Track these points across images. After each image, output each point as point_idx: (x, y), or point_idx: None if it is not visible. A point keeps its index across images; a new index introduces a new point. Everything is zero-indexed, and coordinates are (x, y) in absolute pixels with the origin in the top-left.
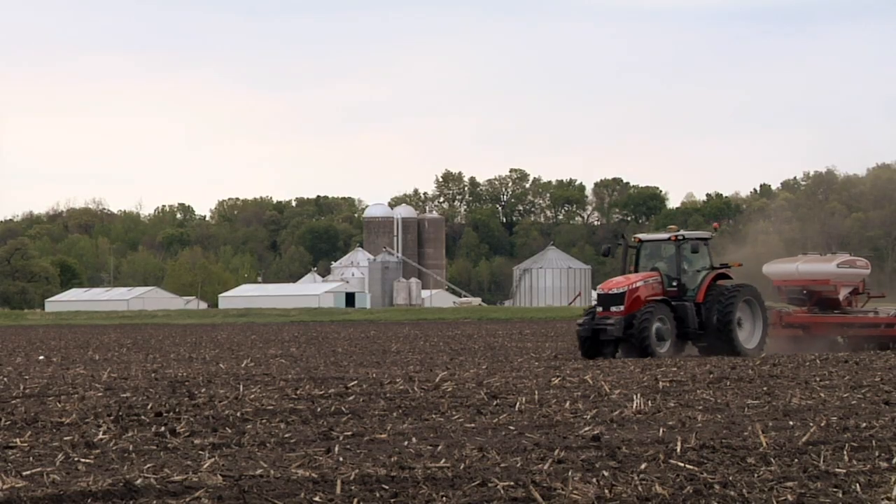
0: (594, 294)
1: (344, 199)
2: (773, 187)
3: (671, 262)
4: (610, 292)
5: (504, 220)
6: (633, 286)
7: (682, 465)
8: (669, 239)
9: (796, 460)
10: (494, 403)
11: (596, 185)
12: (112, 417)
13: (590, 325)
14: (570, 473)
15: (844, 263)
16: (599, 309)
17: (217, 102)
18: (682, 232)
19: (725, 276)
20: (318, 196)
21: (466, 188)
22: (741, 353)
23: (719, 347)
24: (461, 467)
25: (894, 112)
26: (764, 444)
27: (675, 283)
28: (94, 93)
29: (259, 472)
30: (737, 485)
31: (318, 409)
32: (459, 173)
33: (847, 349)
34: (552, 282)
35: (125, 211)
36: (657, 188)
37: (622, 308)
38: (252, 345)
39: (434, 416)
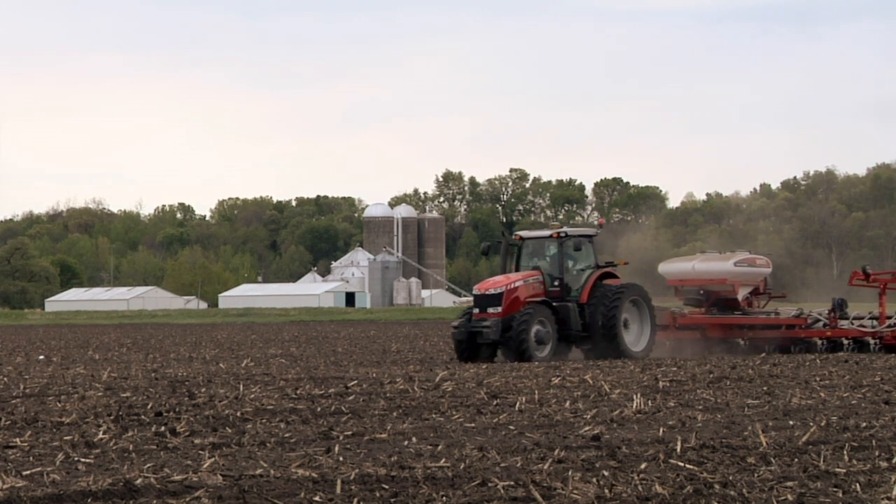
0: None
1: (344, 198)
2: (774, 187)
3: (554, 261)
4: (487, 293)
5: (504, 219)
6: (512, 286)
7: (682, 464)
8: (551, 236)
9: (796, 460)
10: (494, 403)
11: (596, 184)
12: (112, 417)
13: (466, 327)
14: (570, 473)
15: (743, 262)
16: (476, 310)
17: (217, 102)
18: (564, 229)
19: (612, 275)
20: (319, 196)
21: (466, 188)
22: (627, 355)
23: (604, 350)
24: (461, 467)
25: (894, 112)
26: (764, 443)
27: (557, 283)
28: (94, 93)
29: (259, 471)
30: (737, 484)
31: (318, 409)
32: (459, 173)
33: (746, 352)
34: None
35: (125, 210)
36: (657, 188)
37: (500, 309)
38: (252, 344)
39: (434, 415)
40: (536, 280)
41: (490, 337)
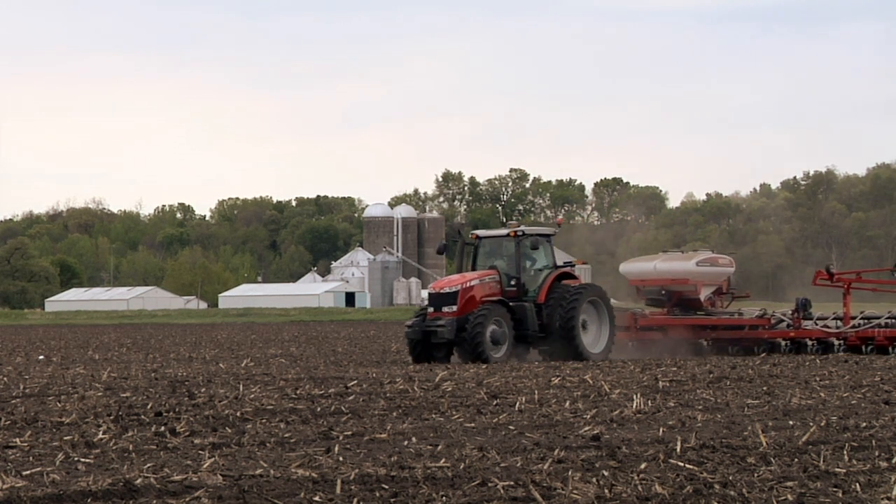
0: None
1: (344, 198)
2: (773, 187)
3: (511, 261)
4: (441, 291)
5: (504, 219)
6: (467, 285)
7: (682, 464)
8: (508, 235)
9: (796, 460)
10: (494, 403)
11: (596, 184)
12: (112, 417)
13: (420, 326)
14: (570, 473)
15: (705, 261)
16: (431, 310)
17: (217, 102)
18: (522, 228)
19: (570, 275)
20: (318, 196)
21: (466, 188)
22: (585, 357)
23: (562, 351)
24: (461, 467)
25: (894, 112)
26: (764, 443)
27: (514, 283)
28: (94, 93)
29: (259, 471)
30: (737, 484)
31: (318, 409)
32: (459, 173)
33: (710, 353)
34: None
35: (125, 210)
36: (657, 188)
37: (455, 309)
38: (252, 344)
39: (434, 415)
40: (493, 279)
41: (444, 336)
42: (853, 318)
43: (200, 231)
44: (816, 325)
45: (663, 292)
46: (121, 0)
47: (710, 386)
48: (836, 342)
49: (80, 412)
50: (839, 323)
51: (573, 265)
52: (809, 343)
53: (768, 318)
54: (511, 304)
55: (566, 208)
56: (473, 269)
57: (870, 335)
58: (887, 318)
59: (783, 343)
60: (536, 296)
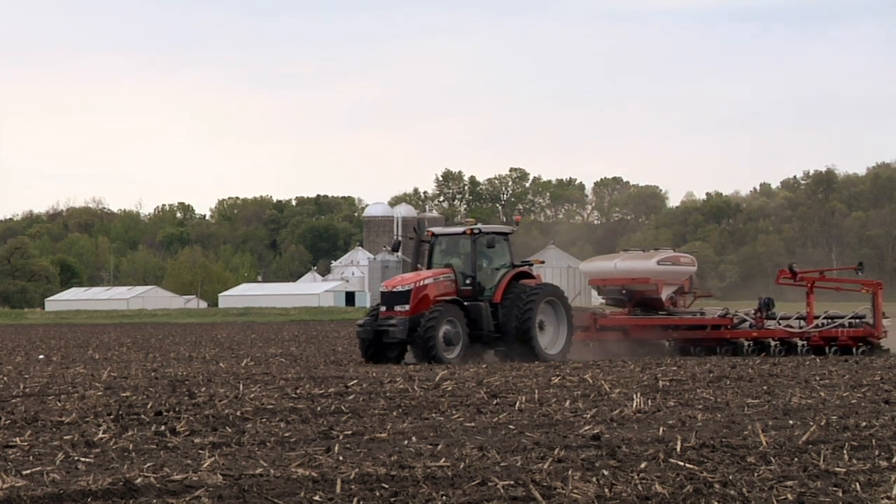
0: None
1: (344, 198)
2: (773, 186)
3: (467, 259)
4: (394, 290)
5: (504, 219)
6: (421, 284)
7: (682, 464)
8: (464, 233)
9: (796, 459)
10: (494, 402)
11: (596, 184)
12: (112, 416)
13: (372, 326)
14: (570, 472)
15: (666, 260)
16: (383, 308)
17: (217, 102)
18: (478, 226)
19: (528, 274)
20: (318, 195)
21: (466, 187)
22: (542, 358)
23: (518, 352)
24: (461, 466)
25: (894, 111)
26: (764, 443)
27: (469, 282)
28: (94, 93)
29: (259, 471)
30: (737, 484)
31: (318, 409)
32: (459, 172)
33: (671, 353)
34: (552, 280)
35: (125, 210)
36: (657, 187)
37: (407, 308)
38: (252, 344)
39: (434, 415)
40: (448, 278)
41: (396, 336)
42: (816, 317)
43: (200, 230)
44: (779, 324)
45: (624, 292)
46: (121, 0)
47: (710, 385)
48: (800, 343)
49: (80, 411)
50: (802, 323)
51: (531, 264)
52: (772, 343)
53: (730, 317)
54: (466, 303)
55: (566, 207)
56: (429, 267)
57: (833, 335)
58: (851, 318)
59: (746, 343)
60: (492, 295)
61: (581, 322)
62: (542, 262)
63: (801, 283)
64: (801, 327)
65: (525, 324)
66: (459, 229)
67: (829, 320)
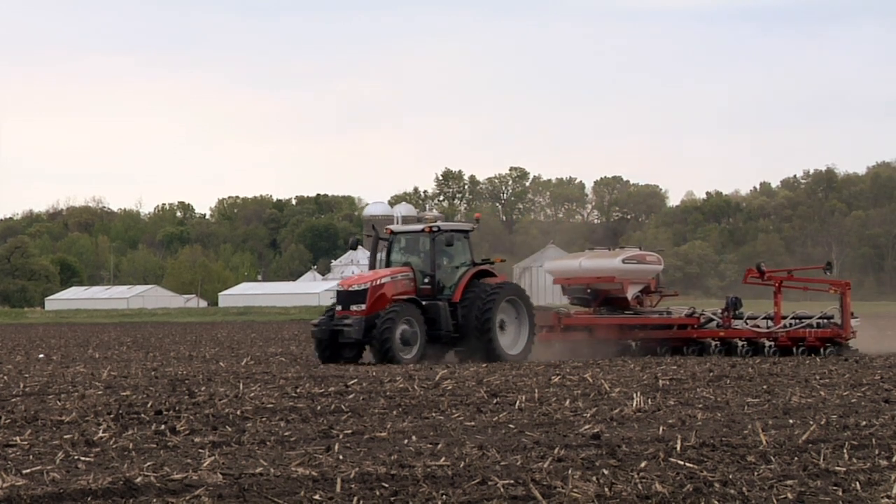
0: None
1: (344, 197)
2: (773, 185)
3: (426, 257)
4: (350, 289)
5: (504, 218)
6: (378, 283)
7: (682, 463)
8: (423, 231)
9: (796, 458)
10: (494, 402)
11: (596, 183)
12: (112, 416)
13: (327, 325)
14: (570, 472)
15: (631, 259)
16: (339, 308)
17: (217, 101)
18: (438, 223)
19: (489, 273)
20: (318, 194)
21: (466, 186)
22: (502, 358)
23: (478, 352)
24: (461, 465)
25: (894, 110)
26: (764, 442)
27: (428, 281)
28: (94, 92)
29: (259, 470)
30: (737, 483)
31: (318, 408)
32: (459, 171)
33: (638, 353)
34: (552, 280)
35: (125, 209)
36: (657, 186)
37: (363, 307)
38: (252, 343)
39: (434, 414)
40: (406, 277)
41: (352, 336)
42: (784, 317)
43: (200, 230)
44: (747, 324)
45: (588, 291)
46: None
47: (710, 384)
48: (767, 343)
49: (80, 411)
50: (770, 323)
51: (492, 263)
52: (740, 344)
53: (697, 317)
54: (424, 302)
55: (566, 207)
56: (388, 265)
57: (801, 335)
58: (819, 319)
59: (713, 343)
60: (452, 294)
61: (545, 322)
62: (503, 261)
63: (768, 283)
64: (768, 327)
65: (485, 324)
66: (418, 227)
67: (797, 320)
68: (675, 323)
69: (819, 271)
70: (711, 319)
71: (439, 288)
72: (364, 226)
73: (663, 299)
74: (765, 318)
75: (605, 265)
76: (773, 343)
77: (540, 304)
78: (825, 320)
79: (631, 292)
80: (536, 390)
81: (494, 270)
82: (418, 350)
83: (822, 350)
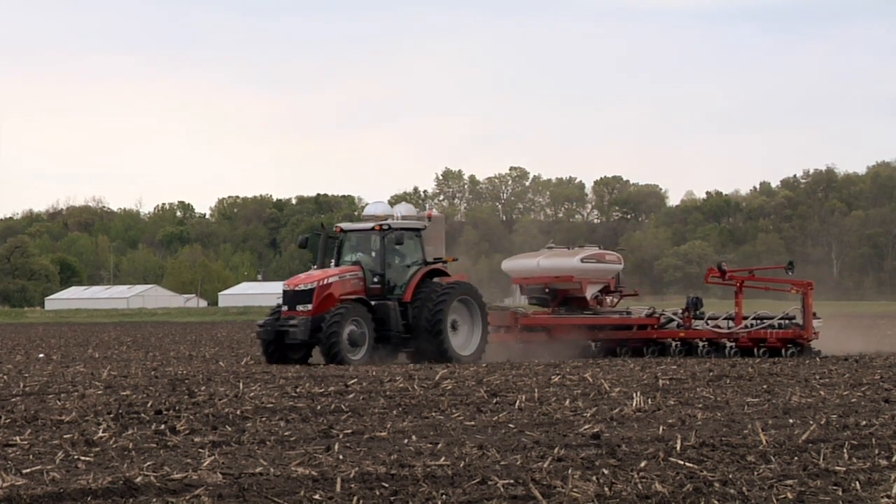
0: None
1: (344, 196)
2: (773, 185)
3: (376, 256)
4: (296, 289)
5: (504, 217)
6: (325, 282)
7: (681, 463)
8: (373, 229)
9: (796, 458)
10: (494, 401)
11: (596, 182)
12: (112, 415)
13: (272, 326)
14: (569, 471)
15: (590, 258)
16: (285, 308)
17: (217, 101)
18: (388, 221)
19: (441, 272)
20: (318, 194)
21: (466, 186)
22: (454, 359)
23: (429, 353)
24: (461, 465)
25: (894, 110)
26: (764, 442)
27: (377, 280)
28: (93, 92)
29: (259, 469)
30: (737, 483)
31: (318, 407)
32: (459, 171)
33: (598, 354)
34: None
35: (125, 209)
36: (657, 186)
37: (310, 307)
38: (252, 343)
39: (434, 414)
40: (355, 276)
41: (297, 337)
42: (745, 317)
43: (200, 229)
44: (707, 325)
45: (547, 290)
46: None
47: (710, 384)
48: (728, 344)
49: (80, 410)
50: (731, 323)
51: (444, 262)
52: (700, 344)
53: (657, 317)
54: (373, 302)
55: (566, 206)
56: (337, 264)
57: (762, 336)
58: (780, 319)
59: (673, 344)
60: (402, 294)
61: (502, 322)
62: (456, 260)
63: (729, 283)
64: (729, 328)
65: (436, 324)
66: (368, 225)
67: (759, 321)
68: (634, 323)
69: (782, 271)
70: (672, 320)
71: (390, 287)
72: None
73: (623, 299)
74: (726, 318)
75: (563, 264)
76: (734, 344)
77: (496, 304)
78: (787, 321)
79: (590, 292)
80: (536, 390)
81: (447, 270)
82: (366, 351)
83: (783, 351)
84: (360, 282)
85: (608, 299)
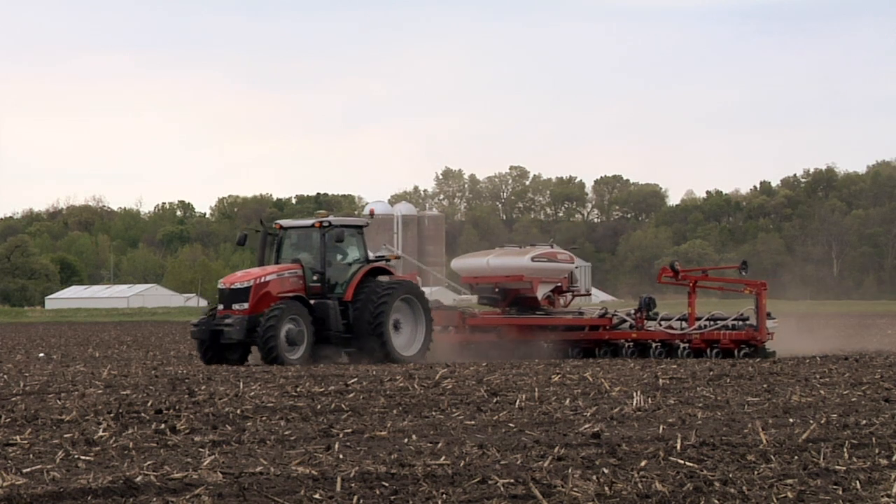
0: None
1: (344, 196)
2: (774, 184)
3: (316, 254)
4: (232, 287)
5: (504, 217)
6: (262, 280)
7: (682, 462)
8: (314, 225)
9: (796, 457)
10: (494, 401)
11: (596, 182)
12: (112, 415)
13: (207, 325)
14: (570, 471)
15: (541, 257)
16: (220, 307)
17: (217, 100)
18: (329, 218)
19: (385, 271)
20: (319, 193)
21: (466, 185)
22: (396, 359)
23: (371, 353)
24: (461, 465)
25: (894, 109)
26: (764, 441)
27: (317, 278)
28: (93, 91)
29: (259, 469)
30: (737, 482)
31: (318, 407)
32: (459, 170)
33: (550, 355)
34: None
35: (125, 208)
36: (657, 185)
37: (246, 306)
38: None
39: (434, 413)
40: (294, 274)
41: (233, 336)
42: (698, 318)
43: (200, 228)
44: (660, 325)
45: (497, 290)
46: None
47: (711, 383)
48: (681, 345)
49: (81, 410)
50: (684, 324)
51: (387, 260)
52: (653, 345)
53: (610, 318)
54: (313, 301)
55: (566, 206)
56: (277, 262)
57: (715, 338)
58: (734, 320)
59: (625, 345)
60: (343, 292)
61: (449, 322)
62: (398, 258)
63: (683, 283)
64: (682, 329)
65: (378, 324)
66: (308, 222)
67: (712, 322)
68: (586, 324)
69: (735, 271)
70: (624, 320)
71: (330, 286)
72: None
73: (575, 299)
74: (679, 319)
75: (513, 263)
76: (687, 345)
77: (444, 304)
78: (740, 322)
79: (541, 292)
80: (536, 389)
81: (390, 268)
82: (305, 350)
83: (736, 352)
84: (299, 280)
85: (560, 299)
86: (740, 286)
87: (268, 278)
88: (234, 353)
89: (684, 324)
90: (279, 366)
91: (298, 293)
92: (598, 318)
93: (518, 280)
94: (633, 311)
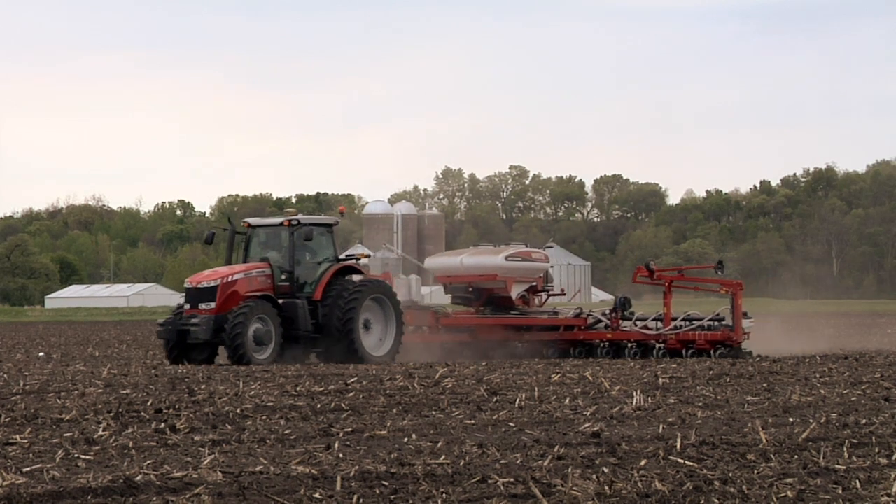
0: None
1: (344, 195)
2: (773, 184)
3: (285, 252)
4: (199, 286)
5: (504, 216)
6: (229, 279)
7: (681, 461)
8: (282, 224)
9: (796, 457)
10: (494, 400)
11: (596, 181)
12: (112, 414)
13: (174, 325)
14: (569, 470)
15: (515, 256)
16: (187, 306)
17: (217, 99)
18: (298, 216)
19: (355, 270)
20: (318, 193)
21: (466, 185)
22: (366, 360)
23: (340, 353)
24: (461, 464)
25: (894, 109)
26: (764, 440)
27: (286, 277)
28: (93, 91)
29: (259, 468)
30: (737, 481)
31: (318, 406)
32: (459, 170)
33: (524, 355)
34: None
35: (125, 207)
36: (657, 185)
37: (213, 305)
38: None
39: (434, 412)
40: (262, 273)
41: (199, 336)
42: (674, 318)
43: (200, 228)
44: (636, 325)
45: (470, 289)
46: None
47: (710, 383)
48: (657, 345)
49: (80, 409)
50: (660, 324)
51: (357, 259)
52: (629, 345)
53: (584, 318)
54: (281, 300)
55: (566, 205)
56: (245, 261)
57: (690, 338)
58: (710, 320)
59: (601, 345)
60: (313, 292)
61: (422, 322)
62: (369, 256)
63: (658, 282)
64: (657, 329)
65: (347, 323)
66: (277, 220)
67: (687, 322)
68: (561, 324)
69: (711, 271)
70: (599, 321)
71: (299, 285)
72: (364, 224)
73: (550, 299)
74: (654, 319)
75: (487, 262)
76: (662, 345)
77: (416, 303)
78: (716, 322)
79: (515, 291)
80: (536, 388)
81: (360, 267)
82: (273, 350)
83: (712, 353)
84: (267, 279)
85: (535, 299)
86: (716, 286)
87: (235, 277)
88: (200, 353)
89: (660, 324)
90: (245, 366)
91: (266, 292)
92: (574, 318)
93: (492, 279)
94: (608, 312)
